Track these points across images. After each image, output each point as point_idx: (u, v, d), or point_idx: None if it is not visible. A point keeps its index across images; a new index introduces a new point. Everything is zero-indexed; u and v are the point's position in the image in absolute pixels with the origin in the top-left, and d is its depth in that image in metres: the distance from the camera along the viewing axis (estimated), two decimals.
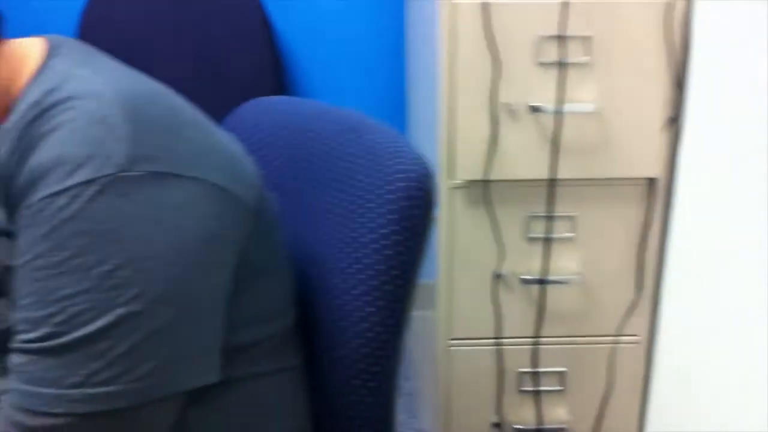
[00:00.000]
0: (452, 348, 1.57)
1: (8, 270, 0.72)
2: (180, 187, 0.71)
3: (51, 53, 0.79)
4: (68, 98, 0.71)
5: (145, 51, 2.03)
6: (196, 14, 2.03)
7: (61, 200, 0.67)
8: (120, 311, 0.68)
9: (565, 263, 1.52)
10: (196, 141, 0.75)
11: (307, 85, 2.25)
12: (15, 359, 0.70)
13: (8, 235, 0.72)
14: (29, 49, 0.80)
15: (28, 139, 0.70)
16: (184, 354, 0.72)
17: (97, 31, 2.04)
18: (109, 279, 0.67)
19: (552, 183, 1.46)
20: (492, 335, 1.56)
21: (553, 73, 1.40)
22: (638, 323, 1.56)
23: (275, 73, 2.08)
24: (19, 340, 0.69)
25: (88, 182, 0.67)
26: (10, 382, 0.70)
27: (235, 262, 0.77)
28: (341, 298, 0.88)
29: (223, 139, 0.80)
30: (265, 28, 2.05)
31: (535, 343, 1.56)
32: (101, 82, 0.73)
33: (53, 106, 0.71)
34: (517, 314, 1.55)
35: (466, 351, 1.57)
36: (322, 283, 0.91)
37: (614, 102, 1.42)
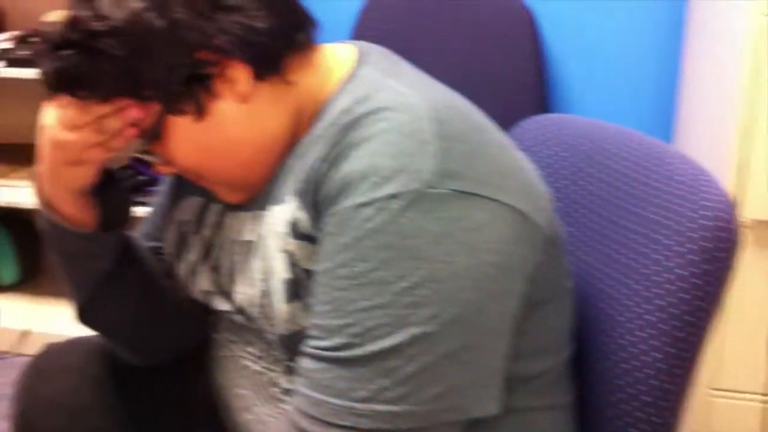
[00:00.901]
0: (714, 398, 1.46)
1: (307, 274, 0.73)
2: (482, 209, 0.69)
3: (361, 60, 0.80)
4: (381, 109, 0.70)
5: (412, 60, 2.06)
6: (465, 25, 2.02)
7: (368, 211, 0.66)
8: (414, 330, 0.66)
9: None
10: (499, 161, 0.73)
11: (567, 98, 2.17)
12: (305, 363, 0.70)
13: (311, 239, 0.73)
14: (339, 56, 0.81)
15: (340, 146, 0.70)
16: (470, 381, 0.70)
17: (369, 38, 2.10)
18: (407, 296, 0.66)
19: None
20: (762, 391, 1.42)
21: None
22: None
23: (539, 86, 2.03)
24: (311, 345, 0.70)
25: (395, 196, 0.66)
26: (297, 385, 0.71)
27: (525, 290, 0.74)
28: (625, 338, 0.82)
29: (520, 159, 0.77)
30: (534, 41, 2.01)
31: None
32: (413, 94, 0.72)
33: (366, 115, 0.70)
34: None
35: (729, 404, 1.46)
36: (604, 319, 0.85)
37: None
